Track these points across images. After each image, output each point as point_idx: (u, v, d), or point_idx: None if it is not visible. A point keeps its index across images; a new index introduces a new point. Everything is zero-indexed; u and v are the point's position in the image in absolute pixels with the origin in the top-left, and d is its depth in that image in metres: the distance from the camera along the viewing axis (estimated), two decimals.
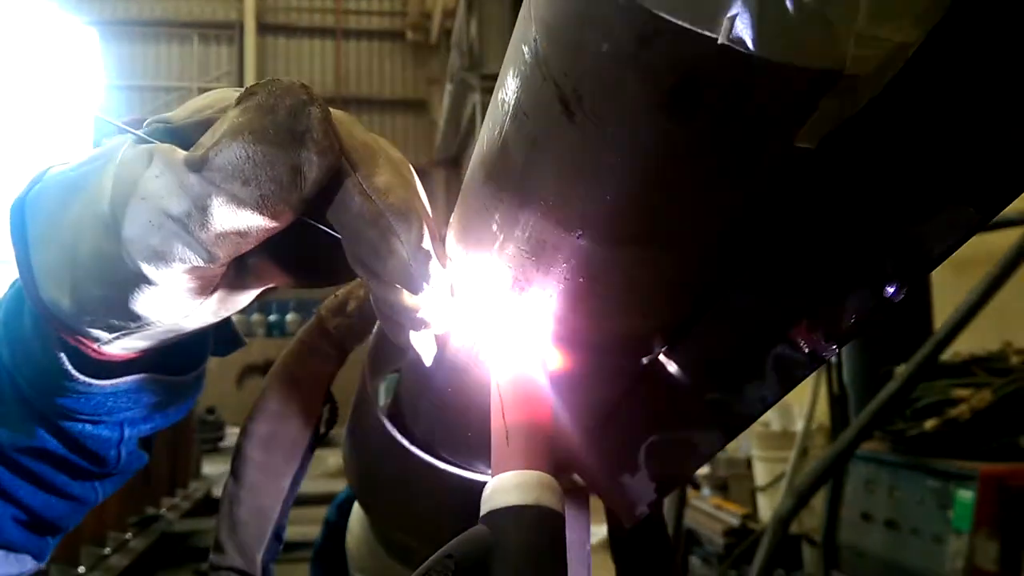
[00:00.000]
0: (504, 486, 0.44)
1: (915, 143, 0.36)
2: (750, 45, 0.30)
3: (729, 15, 0.30)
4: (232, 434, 9.59)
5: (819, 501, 3.51)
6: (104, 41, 15.69)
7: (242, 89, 0.49)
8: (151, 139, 0.47)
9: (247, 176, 0.42)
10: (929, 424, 2.94)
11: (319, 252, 0.52)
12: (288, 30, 16.51)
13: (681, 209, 0.39)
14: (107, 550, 4.43)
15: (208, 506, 6.99)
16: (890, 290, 0.39)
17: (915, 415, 3.05)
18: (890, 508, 3.17)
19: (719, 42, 0.31)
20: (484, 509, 0.44)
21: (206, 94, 0.51)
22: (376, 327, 0.72)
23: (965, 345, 3.20)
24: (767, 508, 4.50)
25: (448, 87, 12.22)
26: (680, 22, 0.31)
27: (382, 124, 16.40)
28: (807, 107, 0.33)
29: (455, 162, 14.24)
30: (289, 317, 13.35)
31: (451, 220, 0.54)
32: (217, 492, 7.33)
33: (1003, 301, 2.71)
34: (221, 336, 0.66)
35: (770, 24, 0.30)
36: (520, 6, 0.42)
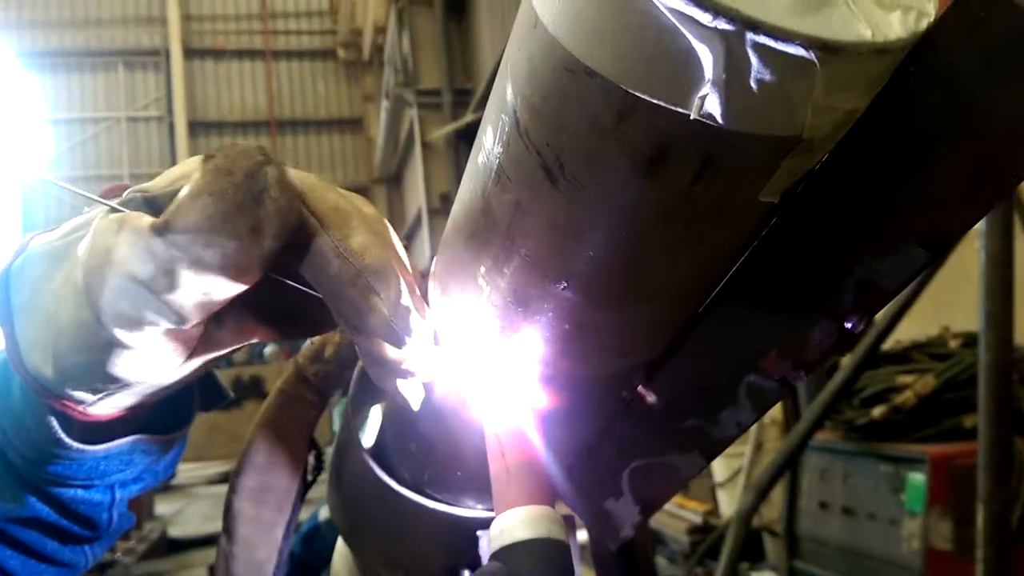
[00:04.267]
0: (513, 522, 0.47)
1: (867, 192, 0.40)
2: (719, 119, 0.34)
3: (700, 94, 0.33)
4: (184, 471, 9.37)
5: (777, 493, 3.59)
6: (26, 73, 15.27)
7: None
8: (123, 208, 0.48)
9: (207, 238, 0.44)
10: (877, 412, 3.04)
11: (301, 306, 0.54)
12: (216, 54, 16.25)
13: (658, 261, 0.42)
14: None
15: (164, 547, 6.83)
16: (849, 324, 0.42)
17: (862, 404, 3.15)
18: (846, 495, 3.26)
19: (691, 117, 0.34)
20: (495, 546, 0.47)
21: (182, 163, 0.52)
22: (357, 369, 0.74)
23: (905, 332, 3.32)
24: (727, 503, 4.59)
25: (384, 104, 12.19)
26: (655, 100, 0.34)
27: (319, 145, 16.23)
28: (770, 168, 0.37)
29: (395, 179, 14.20)
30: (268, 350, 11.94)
31: (433, 270, 0.57)
32: (173, 532, 7.17)
33: (938, 287, 2.82)
34: (206, 390, 0.67)
35: (736, 101, 0.33)
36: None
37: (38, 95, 14.79)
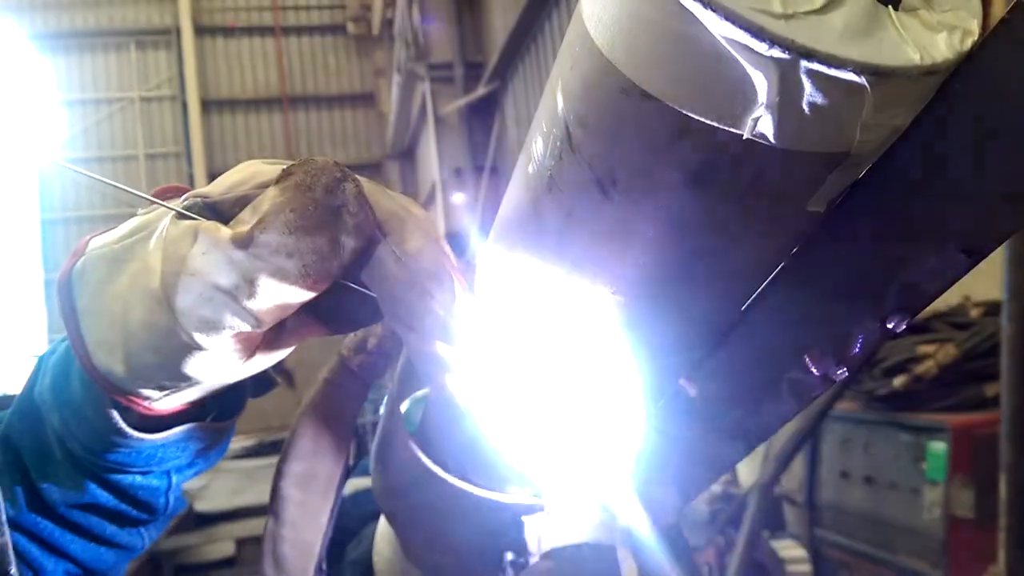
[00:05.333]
0: (562, 524, 0.49)
1: (912, 200, 0.41)
2: (772, 139, 0.35)
3: (753, 116, 0.35)
4: None
5: (797, 463, 3.62)
6: (40, 55, 15.31)
7: (274, 161, 0.53)
8: (191, 215, 0.51)
9: (290, 250, 0.46)
10: (898, 382, 3.04)
11: (351, 304, 0.57)
12: (226, 31, 16.18)
13: (706, 267, 0.44)
14: None
15: (191, 522, 6.96)
16: (891, 324, 0.44)
17: (884, 374, 3.16)
18: (867, 465, 3.28)
19: (744, 137, 0.35)
20: (546, 546, 0.49)
21: (238, 168, 0.54)
22: (400, 361, 0.76)
23: None
24: (746, 473, 4.61)
25: (396, 78, 12.14)
26: (709, 121, 0.36)
27: (331, 121, 16.18)
28: (818, 181, 0.39)
29: (408, 154, 14.18)
30: None
31: (479, 270, 0.59)
32: (199, 506, 7.30)
33: None
34: (255, 379, 0.70)
35: (789, 122, 0.35)
36: None
37: (51, 77, 14.84)
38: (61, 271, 0.56)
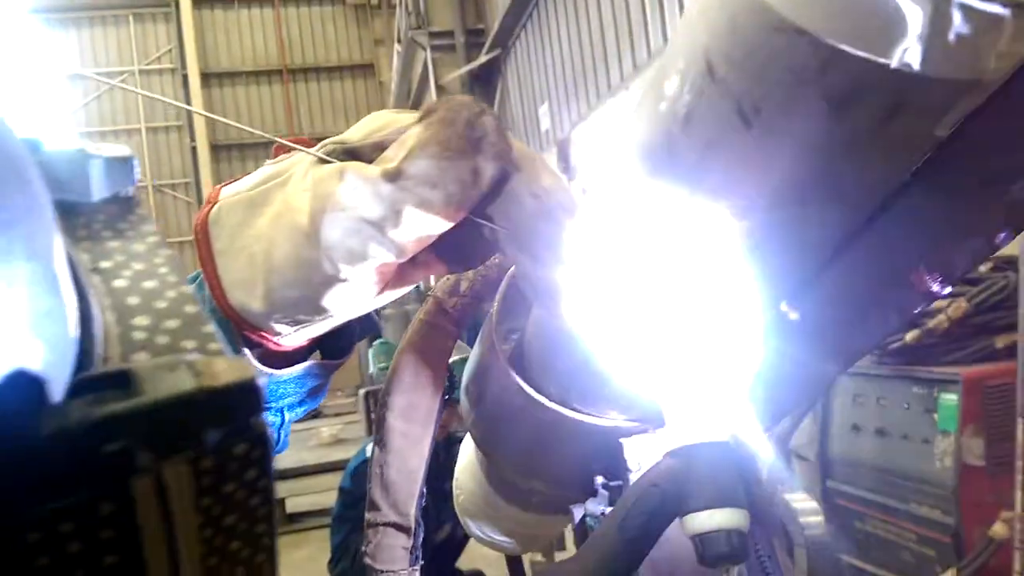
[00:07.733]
0: (688, 430, 0.55)
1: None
2: (916, 67, 0.40)
3: (903, 47, 0.39)
4: None
5: (805, 418, 3.69)
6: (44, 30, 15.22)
7: (400, 110, 0.58)
8: (331, 159, 0.55)
9: (435, 180, 0.51)
10: (910, 336, 3.10)
11: (467, 241, 0.61)
12: (225, 2, 16.07)
13: (837, 189, 0.49)
14: None
15: None
16: (998, 240, 0.49)
17: None
18: (879, 417, 3.35)
19: (892, 67, 0.40)
20: (674, 446, 0.55)
21: (372, 116, 0.59)
22: (498, 299, 0.81)
23: None
24: None
25: (397, 48, 12.07)
26: (860, 53, 0.40)
27: (331, 91, 16.08)
28: (949, 106, 0.43)
29: None
30: None
31: (599, 202, 0.63)
32: None
33: None
34: (361, 320, 0.75)
35: (935, 52, 0.39)
36: None
37: (51, 52, 14.76)
38: (197, 218, 0.60)
